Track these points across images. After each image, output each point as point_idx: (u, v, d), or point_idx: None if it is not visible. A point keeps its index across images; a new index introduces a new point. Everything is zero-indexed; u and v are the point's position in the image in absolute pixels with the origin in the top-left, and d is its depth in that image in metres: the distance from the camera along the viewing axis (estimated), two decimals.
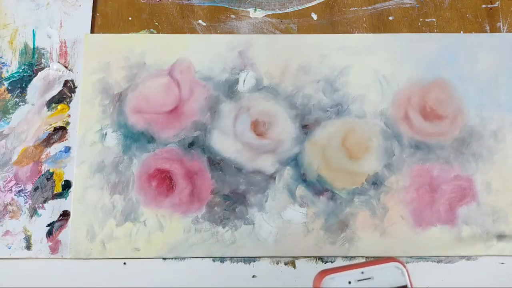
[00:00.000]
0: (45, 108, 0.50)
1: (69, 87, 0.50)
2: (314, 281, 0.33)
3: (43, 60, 0.51)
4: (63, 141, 0.49)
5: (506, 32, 0.52)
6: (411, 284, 0.32)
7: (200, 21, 0.53)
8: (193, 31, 0.53)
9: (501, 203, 0.47)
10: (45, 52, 0.51)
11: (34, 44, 0.51)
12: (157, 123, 0.49)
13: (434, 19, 0.53)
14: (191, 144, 0.48)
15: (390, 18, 0.53)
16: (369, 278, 0.32)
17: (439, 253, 0.46)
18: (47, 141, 0.49)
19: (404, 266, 0.32)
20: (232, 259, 0.46)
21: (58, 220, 0.47)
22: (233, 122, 0.49)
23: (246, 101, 0.49)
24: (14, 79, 0.50)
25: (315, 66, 0.50)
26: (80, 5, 0.53)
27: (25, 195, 0.48)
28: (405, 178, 0.48)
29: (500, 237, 0.46)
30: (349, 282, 0.32)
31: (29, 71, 0.51)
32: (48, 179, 0.48)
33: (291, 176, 0.48)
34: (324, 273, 0.32)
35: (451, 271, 0.46)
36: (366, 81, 0.50)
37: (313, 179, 0.48)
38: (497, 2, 0.53)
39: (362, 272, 0.32)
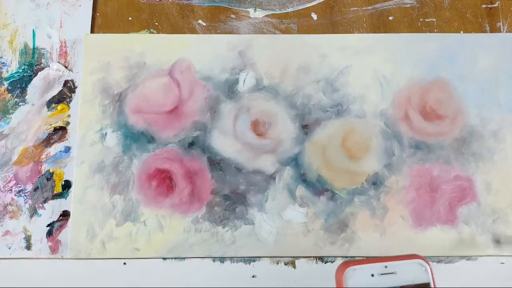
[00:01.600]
0: (45, 108, 0.50)
1: (69, 87, 0.50)
2: (337, 272, 0.32)
3: (43, 60, 0.51)
4: (63, 141, 0.49)
5: (506, 32, 0.52)
6: (433, 282, 0.32)
7: (200, 21, 0.53)
8: (193, 31, 0.53)
9: (501, 203, 0.47)
10: (45, 52, 0.51)
11: (34, 44, 0.51)
12: (157, 123, 0.49)
13: (434, 19, 0.53)
14: (191, 144, 0.48)
15: (390, 18, 0.53)
16: (392, 273, 0.32)
17: (439, 253, 0.46)
18: (47, 141, 0.49)
19: (428, 264, 0.32)
20: (232, 259, 0.46)
21: (58, 220, 0.47)
22: (233, 122, 0.49)
23: (246, 101, 0.49)
24: (14, 79, 0.50)
25: (315, 66, 0.50)
26: (80, 5, 0.53)
27: (25, 195, 0.48)
28: (405, 178, 0.48)
29: (497, 241, 0.46)
30: (372, 275, 0.32)
31: (29, 71, 0.51)
32: (48, 179, 0.48)
33: (291, 176, 0.48)
34: (346, 264, 0.32)
35: (451, 271, 0.46)
36: (366, 81, 0.50)
37: (313, 179, 0.48)
38: (497, 2, 0.53)
39: (386, 266, 0.32)
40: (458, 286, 0.46)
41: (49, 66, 0.51)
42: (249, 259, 0.46)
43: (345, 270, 0.32)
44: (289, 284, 0.46)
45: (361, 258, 0.46)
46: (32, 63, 0.51)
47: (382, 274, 0.32)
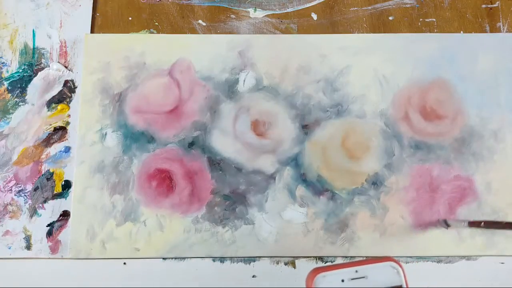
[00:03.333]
0: (45, 108, 0.50)
1: (69, 87, 0.50)
2: (307, 279, 0.32)
3: (43, 60, 0.51)
4: (63, 141, 0.49)
5: (506, 32, 0.52)
6: (406, 284, 0.31)
7: (200, 21, 0.53)
8: (193, 31, 0.53)
9: (501, 203, 0.47)
10: (45, 52, 0.51)
11: (34, 44, 0.51)
12: (157, 123, 0.49)
13: (434, 19, 0.53)
14: (191, 144, 0.48)
15: (390, 18, 0.53)
16: (363, 277, 0.31)
17: (439, 253, 0.46)
18: (47, 141, 0.49)
19: (400, 266, 0.31)
20: (232, 259, 0.46)
21: (58, 220, 0.47)
22: (233, 122, 0.49)
23: (246, 101, 0.49)
24: (14, 79, 0.50)
25: (315, 66, 0.50)
26: (80, 5, 0.53)
27: (25, 195, 0.48)
28: (405, 178, 0.48)
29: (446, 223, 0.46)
30: (342, 281, 0.31)
31: (29, 71, 0.51)
32: (48, 179, 0.48)
33: (291, 176, 0.48)
34: (316, 271, 0.31)
35: (451, 271, 0.46)
36: (366, 81, 0.50)
37: (313, 179, 0.48)
38: (497, 2, 0.53)
39: (356, 271, 0.31)
40: (458, 286, 0.46)
41: (49, 66, 0.51)
42: (249, 259, 0.46)
43: (315, 277, 0.31)
44: (289, 284, 0.46)
45: (360, 258, 0.46)
46: (32, 63, 0.51)
47: (352, 279, 0.31)
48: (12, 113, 0.50)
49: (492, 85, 0.50)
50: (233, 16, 0.53)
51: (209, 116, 0.49)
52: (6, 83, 0.50)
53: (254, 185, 0.47)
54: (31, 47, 0.51)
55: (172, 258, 0.46)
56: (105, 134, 0.49)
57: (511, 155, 0.48)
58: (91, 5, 0.53)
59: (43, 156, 0.49)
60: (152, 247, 0.46)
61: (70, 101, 0.50)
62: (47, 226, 0.47)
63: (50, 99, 0.50)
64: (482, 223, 0.44)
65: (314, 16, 0.53)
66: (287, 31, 0.53)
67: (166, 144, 0.48)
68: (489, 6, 0.53)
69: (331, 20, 0.53)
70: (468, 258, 0.46)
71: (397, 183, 0.48)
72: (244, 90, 0.50)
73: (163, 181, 0.48)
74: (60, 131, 0.49)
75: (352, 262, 0.32)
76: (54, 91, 0.50)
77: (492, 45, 0.51)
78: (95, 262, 0.46)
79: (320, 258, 0.46)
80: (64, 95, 0.50)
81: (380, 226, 0.47)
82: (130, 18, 0.53)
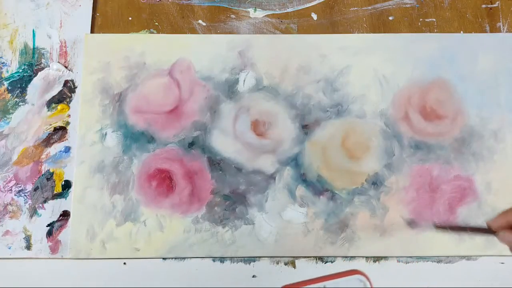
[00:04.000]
0: (45, 108, 0.50)
1: (69, 87, 0.50)
2: None
3: (43, 60, 0.51)
4: (63, 141, 0.49)
5: (506, 32, 0.52)
6: None
7: (200, 21, 0.53)
8: (193, 31, 0.53)
9: (501, 203, 0.47)
10: (45, 52, 0.51)
11: (34, 44, 0.51)
12: (157, 123, 0.49)
13: (434, 19, 0.53)
14: (191, 144, 0.48)
15: (390, 18, 0.53)
16: None
17: (439, 253, 0.46)
18: (47, 141, 0.49)
19: (367, 278, 0.32)
20: (232, 259, 0.46)
21: (58, 220, 0.47)
22: (233, 122, 0.49)
23: (246, 101, 0.49)
24: (14, 79, 0.50)
25: (315, 66, 0.50)
26: (80, 5, 0.53)
27: (25, 195, 0.48)
28: (405, 178, 0.48)
29: (410, 223, 0.46)
30: None
31: (29, 71, 0.51)
32: (48, 179, 0.48)
33: (291, 176, 0.48)
34: None
35: (451, 271, 0.46)
36: (366, 81, 0.50)
37: (313, 179, 0.48)
38: (497, 2, 0.53)
39: (325, 286, 0.32)
40: (458, 286, 0.46)
41: (49, 66, 0.51)
42: (249, 259, 0.46)
43: None
44: None
45: (360, 258, 0.46)
46: (32, 63, 0.51)
47: None
48: (12, 113, 0.50)
49: (492, 85, 0.50)
50: (233, 16, 0.53)
51: (209, 116, 0.49)
52: (6, 83, 0.50)
53: (254, 185, 0.47)
54: (31, 47, 0.51)
55: (172, 258, 0.46)
56: (105, 134, 0.49)
57: (511, 155, 0.48)
58: (91, 5, 0.53)
59: (43, 156, 0.49)
60: (152, 247, 0.46)
61: (70, 101, 0.50)
62: (47, 226, 0.47)
63: (50, 99, 0.50)
64: (448, 228, 0.44)
65: (314, 16, 0.53)
66: (287, 31, 0.53)
67: (166, 144, 0.48)
68: (489, 6, 0.53)
69: (331, 20, 0.53)
70: (468, 258, 0.46)
71: (397, 183, 0.48)
72: (244, 90, 0.50)
73: (163, 181, 0.48)
74: (60, 131, 0.49)
75: (321, 277, 0.33)
76: (54, 91, 0.50)
77: (492, 45, 0.51)
78: (95, 262, 0.46)
79: (320, 258, 0.46)
80: (64, 95, 0.50)
81: (380, 226, 0.47)
82: (130, 18, 0.53)
